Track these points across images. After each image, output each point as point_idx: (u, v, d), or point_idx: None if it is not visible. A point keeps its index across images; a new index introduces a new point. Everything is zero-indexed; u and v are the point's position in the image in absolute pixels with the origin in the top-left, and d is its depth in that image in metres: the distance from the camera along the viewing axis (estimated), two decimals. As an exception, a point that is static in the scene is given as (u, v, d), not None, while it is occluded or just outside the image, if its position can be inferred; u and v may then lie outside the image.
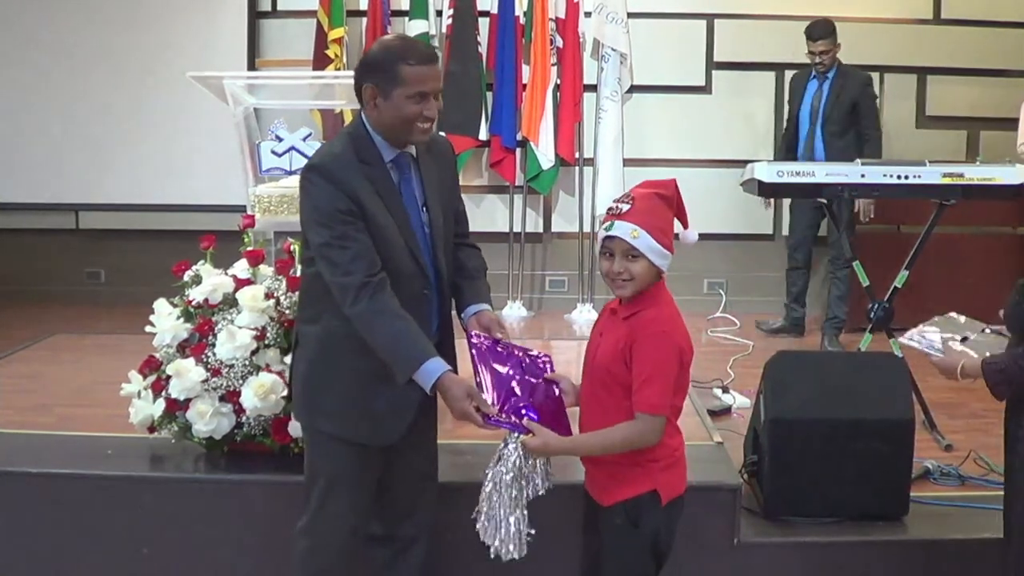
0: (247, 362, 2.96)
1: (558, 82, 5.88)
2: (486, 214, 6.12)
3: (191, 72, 3.74)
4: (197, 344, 3.01)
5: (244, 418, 2.98)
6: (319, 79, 5.13)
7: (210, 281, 3.07)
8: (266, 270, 3.15)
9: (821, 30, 5.25)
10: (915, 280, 4.10)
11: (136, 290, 4.40)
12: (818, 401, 3.06)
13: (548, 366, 2.46)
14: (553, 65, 5.85)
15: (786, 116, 5.60)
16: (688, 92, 6.10)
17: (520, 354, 2.44)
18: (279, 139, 3.61)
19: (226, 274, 3.12)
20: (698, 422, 3.52)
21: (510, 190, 6.07)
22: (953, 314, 2.76)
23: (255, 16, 6.08)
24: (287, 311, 2.99)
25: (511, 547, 2.22)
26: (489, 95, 5.93)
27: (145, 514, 3.03)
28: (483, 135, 5.92)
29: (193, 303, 3.08)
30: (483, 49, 5.91)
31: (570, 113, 5.85)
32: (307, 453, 2.52)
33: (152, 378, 3.08)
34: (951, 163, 4.28)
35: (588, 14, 5.86)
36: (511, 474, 2.21)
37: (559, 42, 5.86)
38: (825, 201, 4.33)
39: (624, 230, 2.20)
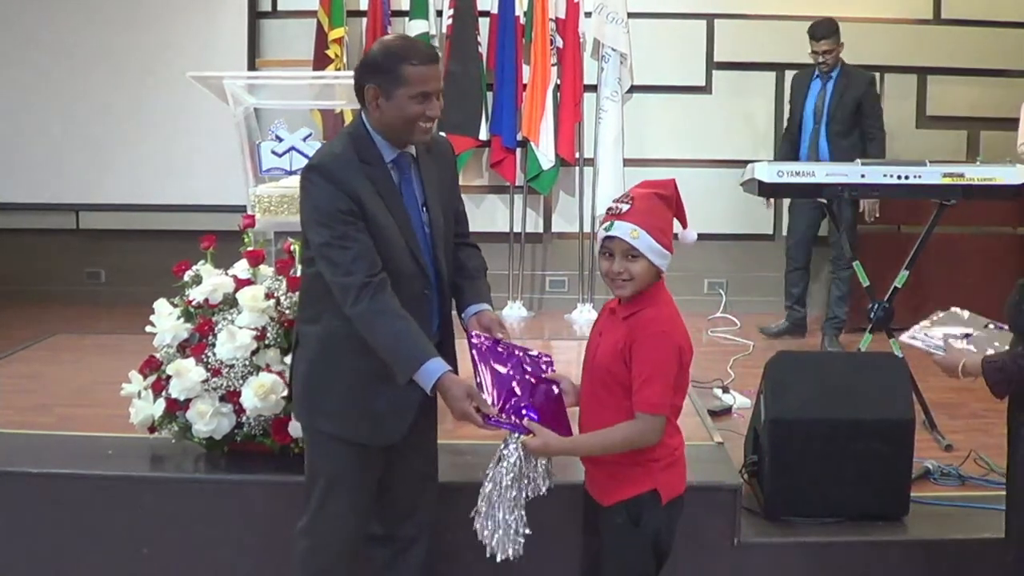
0: (247, 362, 2.96)
1: (558, 82, 5.87)
2: (486, 214, 6.12)
3: (191, 72, 3.74)
4: (197, 344, 3.01)
5: (244, 418, 2.98)
6: (319, 79, 5.13)
7: (210, 281, 3.07)
8: (266, 270, 3.15)
9: (824, 30, 5.24)
10: (915, 280, 4.11)
11: (136, 290, 4.40)
12: (818, 401, 3.06)
13: (548, 366, 2.46)
14: (553, 65, 5.84)
15: (787, 116, 5.59)
16: (688, 92, 6.10)
17: (520, 354, 2.44)
18: (279, 139, 3.61)
19: (226, 274, 3.12)
20: (698, 422, 3.51)
21: (510, 190, 6.06)
22: (956, 309, 2.76)
23: (255, 16, 6.08)
24: (287, 311, 2.99)
25: (508, 547, 2.22)
26: (489, 95, 5.92)
27: (145, 514, 3.03)
28: (483, 135, 5.92)
29: (193, 303, 3.08)
30: (483, 49, 5.91)
31: (570, 113, 5.85)
32: (307, 453, 2.52)
33: (152, 378, 3.08)
34: (951, 163, 4.28)
35: (588, 14, 5.86)
36: (511, 474, 2.21)
37: (559, 42, 5.85)
38: (825, 201, 4.33)
39: (624, 230, 2.21)
